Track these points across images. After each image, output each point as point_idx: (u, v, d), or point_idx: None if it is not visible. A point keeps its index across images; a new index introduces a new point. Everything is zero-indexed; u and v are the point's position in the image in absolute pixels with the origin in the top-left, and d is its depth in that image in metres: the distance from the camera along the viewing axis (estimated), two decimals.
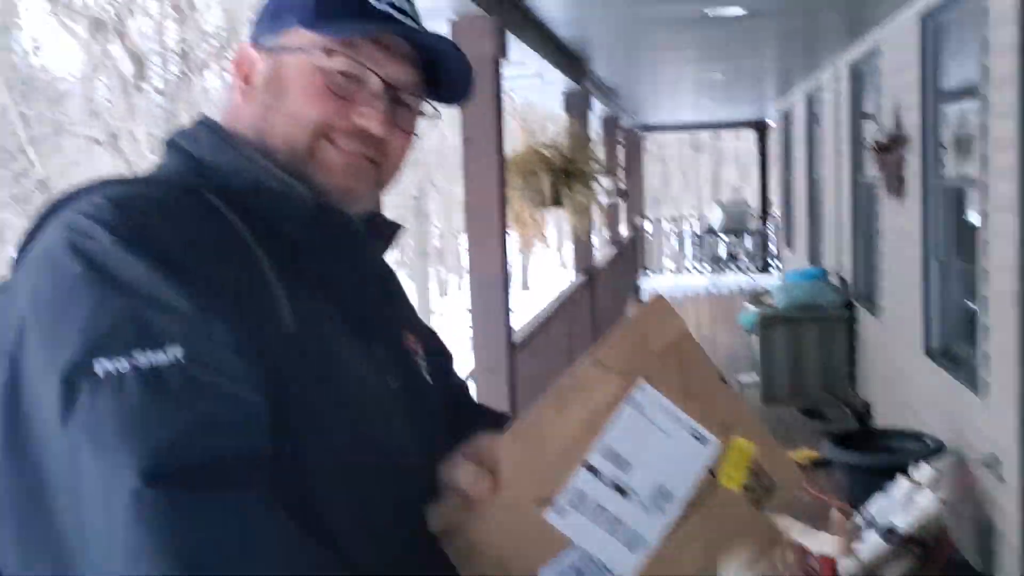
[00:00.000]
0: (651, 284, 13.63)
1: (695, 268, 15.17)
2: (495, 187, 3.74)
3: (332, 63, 0.94)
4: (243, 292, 0.84)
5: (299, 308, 0.88)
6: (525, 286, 36.18)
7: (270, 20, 0.99)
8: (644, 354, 0.92)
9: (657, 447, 0.89)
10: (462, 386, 1.25)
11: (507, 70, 6.18)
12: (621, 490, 0.88)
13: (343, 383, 0.91)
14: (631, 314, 0.96)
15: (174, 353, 0.76)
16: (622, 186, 10.23)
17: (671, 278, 14.67)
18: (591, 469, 0.87)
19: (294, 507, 0.79)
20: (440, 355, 1.16)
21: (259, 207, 0.92)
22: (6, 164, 11.48)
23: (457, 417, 1.10)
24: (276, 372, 0.83)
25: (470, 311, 3.79)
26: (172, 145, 0.98)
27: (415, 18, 1.00)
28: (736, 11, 4.85)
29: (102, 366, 0.74)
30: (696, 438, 0.91)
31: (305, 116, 0.94)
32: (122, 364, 0.75)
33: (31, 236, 0.87)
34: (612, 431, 0.88)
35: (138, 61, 10.82)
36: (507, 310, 3.84)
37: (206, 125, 0.99)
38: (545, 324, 5.00)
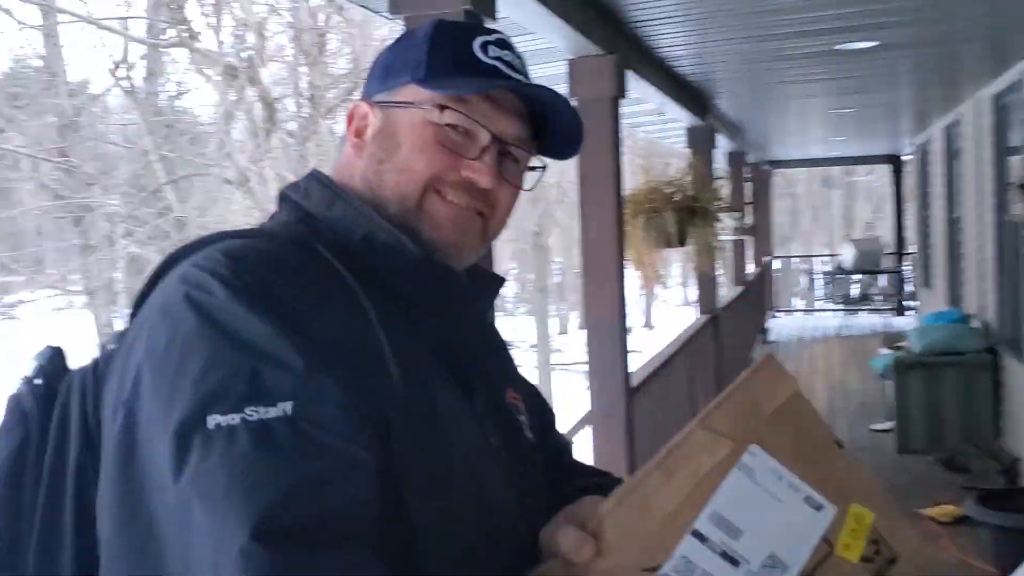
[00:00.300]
0: (779, 325, 13.22)
1: (826, 309, 14.63)
2: (612, 226, 3.67)
3: (443, 118, 0.95)
4: (353, 346, 0.84)
5: (405, 361, 0.88)
6: (649, 325, 35.80)
7: (382, 76, 1.01)
8: (755, 417, 0.88)
9: (769, 514, 0.85)
10: (565, 444, 1.22)
11: (627, 107, 6.15)
12: (731, 559, 0.83)
13: (446, 437, 0.90)
14: (742, 375, 0.91)
15: (284, 409, 0.76)
16: (748, 223, 9.97)
17: (800, 319, 14.19)
18: (699, 536, 0.83)
19: (398, 562, 0.78)
20: (542, 413, 1.14)
21: (368, 260, 0.93)
22: (148, 203, 12.14)
23: (559, 477, 1.08)
24: (384, 425, 0.83)
25: (586, 353, 3.71)
26: (285, 199, 1.00)
27: (524, 71, 1.01)
28: (867, 44, 4.66)
29: (215, 421, 0.75)
30: (811, 505, 0.86)
31: (416, 169, 0.95)
32: (233, 419, 0.75)
33: (149, 286, 0.90)
34: (721, 497, 0.84)
35: (269, 105, 11.32)
36: (624, 353, 3.75)
37: (316, 179, 1.00)
38: (665, 366, 4.87)
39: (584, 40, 3.34)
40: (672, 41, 4.45)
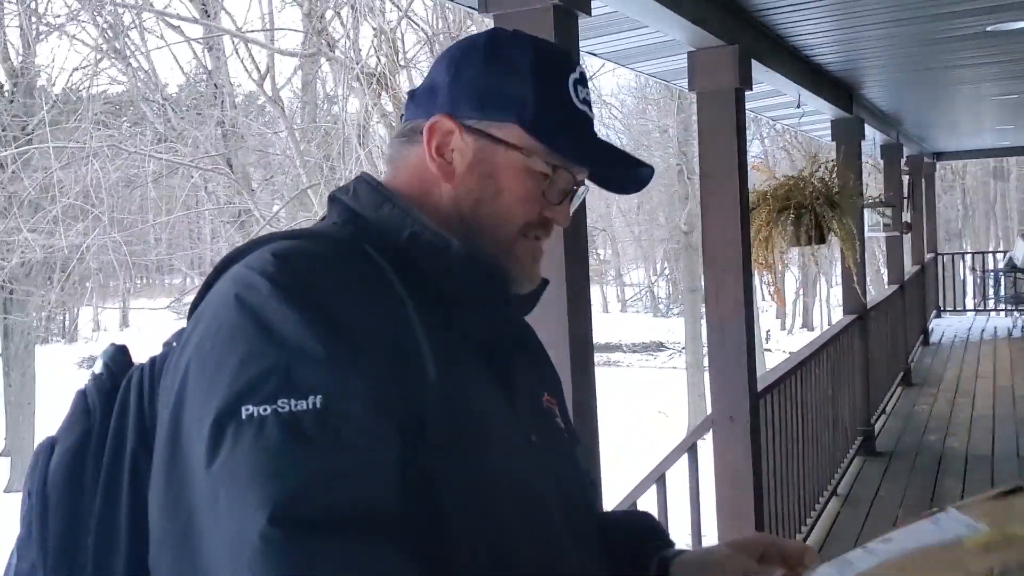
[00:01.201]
0: (943, 326, 12.46)
1: (997, 309, 13.68)
2: (736, 223, 3.54)
3: (543, 168, 0.99)
4: (390, 344, 0.86)
5: (444, 360, 0.89)
6: (809, 326, 34.58)
7: (479, 102, 1.00)
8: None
9: None
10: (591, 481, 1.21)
11: (765, 99, 5.91)
12: None
13: (485, 435, 0.91)
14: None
15: (315, 402, 0.78)
16: (906, 219, 9.43)
17: (968, 320, 13.33)
18: None
19: (426, 560, 0.80)
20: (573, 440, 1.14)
21: (413, 260, 0.95)
22: (306, 208, 12.66)
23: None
24: (418, 423, 0.84)
25: (706, 356, 3.59)
26: (334, 200, 1.03)
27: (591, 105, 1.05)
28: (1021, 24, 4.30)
29: (248, 411, 0.78)
30: None
31: (515, 218, 0.99)
32: (265, 410, 0.77)
33: (207, 287, 0.93)
34: (908, 536, 0.83)
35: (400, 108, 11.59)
36: (751, 354, 3.60)
37: (366, 181, 1.02)
38: (799, 368, 4.65)
39: (701, 31, 3.22)
40: (806, 28, 4.23)
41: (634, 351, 33.51)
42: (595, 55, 4.05)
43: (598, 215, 42.54)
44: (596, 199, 42.53)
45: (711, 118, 3.55)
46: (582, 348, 2.10)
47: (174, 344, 0.91)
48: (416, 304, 0.90)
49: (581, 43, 3.91)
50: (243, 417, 0.77)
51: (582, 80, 1.03)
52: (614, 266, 45.27)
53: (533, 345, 1.14)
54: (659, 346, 33.14)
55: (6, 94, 14.98)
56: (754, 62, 3.73)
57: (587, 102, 1.03)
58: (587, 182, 1.06)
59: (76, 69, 15.95)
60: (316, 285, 0.86)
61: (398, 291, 0.90)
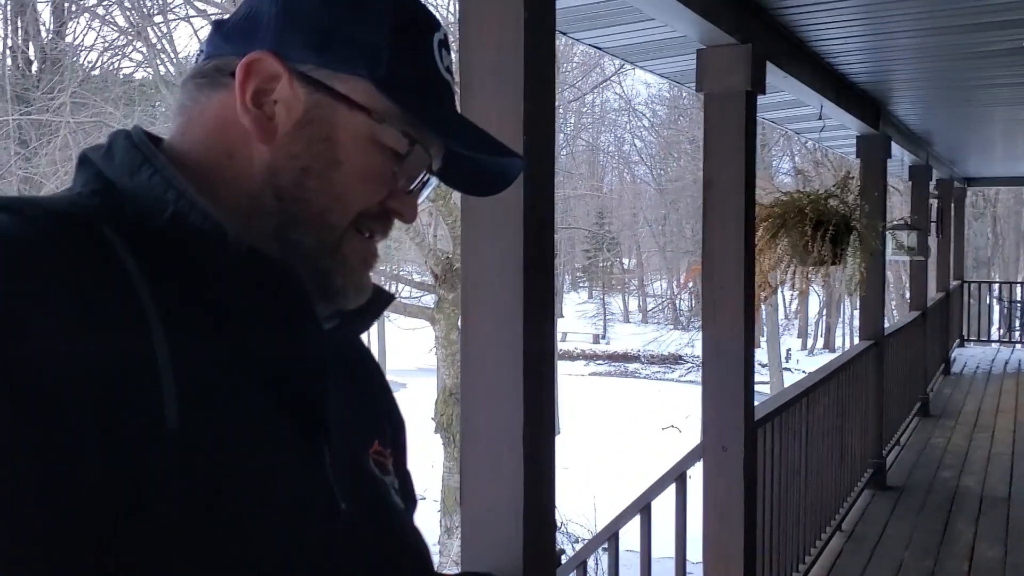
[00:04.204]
0: (966, 355, 12.08)
1: (1023, 340, 13.28)
2: (739, 237, 3.27)
3: (396, 142, 0.74)
4: (96, 374, 0.59)
5: (199, 397, 0.63)
6: (832, 347, 34.04)
7: (318, 44, 0.73)
8: None
9: None
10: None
11: (787, 111, 5.63)
12: None
13: (264, 503, 0.65)
14: None
15: None
16: (930, 245, 9.10)
17: (992, 351, 12.94)
18: None
19: None
20: (404, 481, 0.87)
21: (181, 251, 0.68)
22: None
23: None
24: (134, 488, 0.58)
25: (700, 379, 3.32)
26: (83, 161, 0.74)
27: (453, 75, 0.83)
28: None
29: None
30: None
31: (352, 202, 0.75)
32: None
33: None
34: None
35: None
36: (749, 378, 3.33)
37: (124, 136, 0.73)
38: (804, 396, 4.37)
39: (711, 26, 2.96)
40: (829, 32, 3.95)
41: (652, 363, 33.20)
42: (600, 49, 3.79)
43: (622, 223, 42.35)
44: (620, 206, 42.31)
45: (718, 121, 3.28)
46: (538, 368, 1.84)
47: None
48: (166, 315, 0.64)
49: (582, 34, 3.67)
50: None
51: (446, 44, 0.80)
52: (637, 276, 44.93)
53: (364, 375, 0.88)
54: (677, 359, 32.81)
55: (34, 72, 14.97)
56: (770, 65, 3.46)
57: (451, 72, 0.80)
58: (435, 179, 0.82)
59: (106, 49, 15.92)
60: None
61: (138, 297, 0.63)
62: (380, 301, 0.83)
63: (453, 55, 0.86)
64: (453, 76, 0.80)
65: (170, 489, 0.59)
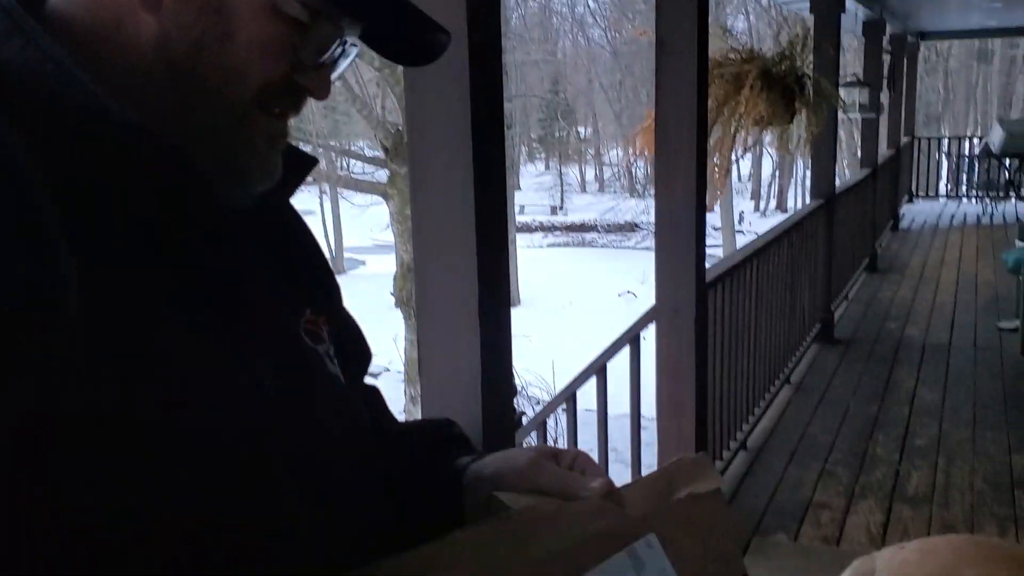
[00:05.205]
0: (915, 211, 12.32)
1: (970, 195, 13.54)
2: (692, 102, 3.25)
3: (297, 12, 0.69)
4: None
5: (101, 282, 0.60)
6: (783, 208, 34.39)
7: None
8: (665, 508, 0.82)
9: None
10: (374, 396, 0.95)
11: None
12: None
13: (174, 386, 0.63)
14: (667, 463, 0.86)
15: None
16: (882, 101, 9.13)
17: (940, 206, 13.21)
18: None
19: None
20: (357, 349, 0.87)
21: (59, 130, 0.63)
22: None
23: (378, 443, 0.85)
24: (34, 378, 0.55)
25: (654, 243, 3.36)
26: None
27: None
28: None
29: None
30: None
31: (250, 75, 0.70)
32: None
33: None
34: (599, 571, 0.74)
35: None
36: (700, 242, 3.38)
37: None
38: (756, 256, 4.46)
39: None
40: None
41: (609, 231, 33.45)
42: None
43: (578, 90, 41.70)
44: (575, 72, 41.49)
45: None
46: (490, 235, 1.86)
47: None
48: (64, 199, 0.59)
49: None
50: None
51: None
52: (593, 144, 44.64)
53: (291, 244, 0.84)
54: (633, 227, 33.07)
55: None
56: None
57: None
58: (358, 43, 0.77)
59: None
60: None
61: (27, 180, 0.56)
62: (300, 167, 0.80)
63: None
64: None
65: (77, 366, 0.57)
